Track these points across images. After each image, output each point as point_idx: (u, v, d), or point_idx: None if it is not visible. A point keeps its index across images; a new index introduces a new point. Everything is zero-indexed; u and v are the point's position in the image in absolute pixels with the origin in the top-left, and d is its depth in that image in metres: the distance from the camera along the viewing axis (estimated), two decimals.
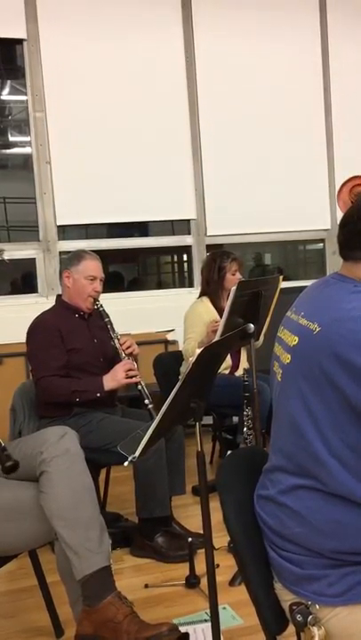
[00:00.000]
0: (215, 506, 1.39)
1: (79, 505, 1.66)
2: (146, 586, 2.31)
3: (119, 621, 1.57)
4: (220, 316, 2.85)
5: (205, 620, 2.00)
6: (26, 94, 4.33)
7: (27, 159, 4.61)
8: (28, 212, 4.55)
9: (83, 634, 1.62)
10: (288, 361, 1.23)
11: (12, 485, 1.76)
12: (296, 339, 1.22)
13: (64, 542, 1.63)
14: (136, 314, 4.11)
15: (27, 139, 4.48)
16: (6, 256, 4.27)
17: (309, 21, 4.86)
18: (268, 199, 4.69)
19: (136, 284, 5.74)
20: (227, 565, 2.28)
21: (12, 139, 6.55)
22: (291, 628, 1.24)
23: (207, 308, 3.25)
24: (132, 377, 2.58)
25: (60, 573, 1.74)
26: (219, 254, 3.43)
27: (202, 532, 1.68)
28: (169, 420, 1.59)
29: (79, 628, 1.64)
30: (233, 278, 3.26)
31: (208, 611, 1.71)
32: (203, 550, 2.07)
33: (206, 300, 3.32)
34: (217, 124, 4.60)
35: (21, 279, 4.99)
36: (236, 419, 3.28)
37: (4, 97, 5.52)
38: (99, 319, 2.77)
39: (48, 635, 2.03)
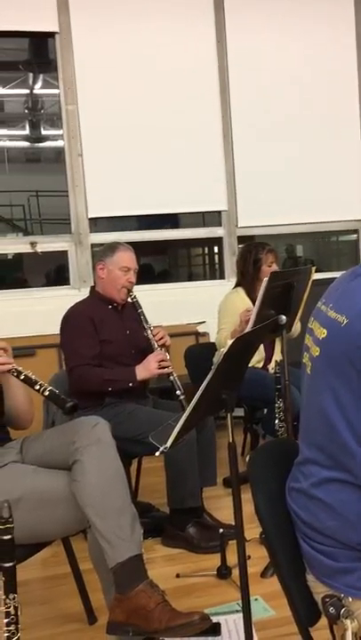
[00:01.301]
0: (246, 498, 1.38)
1: (111, 493, 1.68)
2: (177, 575, 2.32)
3: (151, 609, 1.58)
4: None
5: (237, 611, 2.00)
6: (58, 87, 4.36)
7: (59, 152, 4.65)
8: (60, 205, 4.59)
9: (115, 621, 1.64)
10: (317, 354, 1.22)
11: (45, 474, 1.79)
12: (325, 331, 1.21)
13: (96, 530, 1.65)
14: (167, 306, 4.11)
15: (59, 132, 4.51)
16: (39, 249, 4.35)
17: (342, 12, 4.77)
18: (300, 190, 4.64)
19: (166, 276, 5.75)
20: (258, 557, 2.28)
21: (44, 132, 6.62)
22: (323, 621, 1.23)
23: (242, 299, 3.23)
24: (164, 367, 2.59)
25: (93, 561, 1.76)
26: (254, 246, 3.40)
27: (233, 523, 1.68)
28: (200, 410, 1.58)
29: (111, 615, 1.66)
30: (269, 270, 3.22)
31: (240, 602, 1.71)
32: (234, 542, 2.08)
33: (241, 291, 3.30)
34: (249, 115, 4.57)
35: (54, 271, 5.05)
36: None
37: (36, 91, 5.58)
38: (131, 311, 2.79)
39: (81, 621, 2.06)
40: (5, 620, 1.34)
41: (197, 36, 4.48)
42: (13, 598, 1.33)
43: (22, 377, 1.81)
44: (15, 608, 1.34)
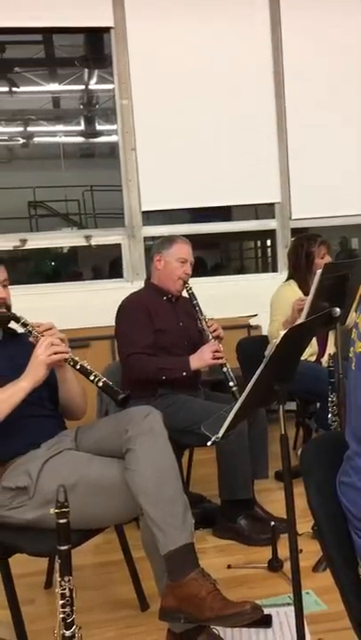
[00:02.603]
0: (299, 492, 1.38)
1: (163, 482, 1.69)
2: (228, 567, 2.33)
3: (203, 597, 1.59)
4: None
5: (288, 604, 1.99)
6: (113, 82, 4.41)
7: (113, 147, 4.71)
8: (114, 200, 4.66)
9: (167, 607, 1.66)
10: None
11: (99, 461, 1.82)
12: None
13: (149, 518, 1.67)
14: (219, 299, 4.10)
15: (113, 127, 4.56)
16: (93, 242, 4.42)
17: None
18: (355, 180, 4.54)
19: (218, 270, 5.75)
20: (310, 551, 2.26)
21: (99, 127, 6.71)
22: None
23: (294, 292, 3.20)
24: (218, 358, 2.60)
25: (146, 548, 1.78)
26: (305, 238, 3.35)
27: (284, 516, 1.67)
28: (252, 401, 1.58)
29: (163, 601, 1.68)
30: (322, 262, 3.17)
31: (291, 594, 1.70)
32: (285, 535, 2.08)
33: (294, 284, 3.27)
34: (303, 105, 4.50)
35: (107, 265, 5.12)
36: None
37: (91, 86, 5.66)
38: (184, 304, 2.81)
39: (133, 607, 2.10)
40: (61, 602, 1.37)
41: (252, 27, 4.45)
42: (68, 580, 1.36)
43: (78, 367, 1.85)
44: (70, 590, 1.37)
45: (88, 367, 1.83)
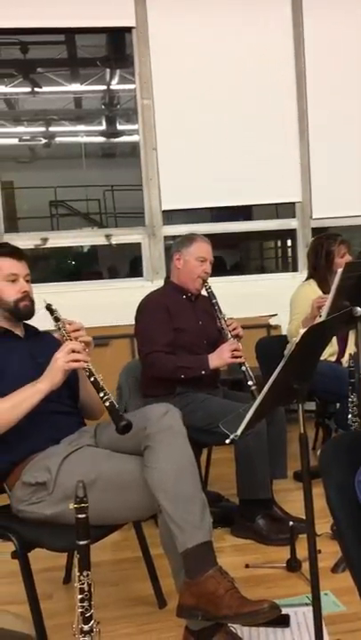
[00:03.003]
0: (317, 492, 1.37)
1: (181, 480, 1.70)
2: (247, 566, 2.33)
3: (220, 595, 1.59)
4: None
5: (306, 604, 1.98)
6: (134, 82, 4.42)
7: (134, 147, 4.73)
8: (135, 199, 4.67)
9: (185, 605, 1.66)
10: None
11: (118, 458, 1.83)
12: None
13: (167, 515, 1.68)
14: (239, 298, 4.09)
15: (134, 127, 4.58)
16: (113, 241, 4.44)
17: None
18: None
19: (238, 270, 5.73)
20: (329, 552, 2.25)
21: (120, 127, 6.73)
22: None
23: (314, 291, 3.18)
24: (237, 357, 2.59)
25: (164, 545, 1.79)
26: (325, 237, 3.33)
27: (303, 517, 1.67)
28: (271, 399, 1.58)
29: (181, 599, 1.68)
30: (342, 261, 3.15)
31: (309, 595, 1.69)
32: (303, 536, 2.06)
33: (313, 283, 3.25)
34: (325, 103, 4.47)
35: (128, 263, 5.14)
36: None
37: (113, 86, 5.69)
38: (203, 303, 2.81)
39: (151, 604, 2.11)
40: (79, 597, 1.38)
41: (274, 25, 4.43)
42: (87, 575, 1.38)
43: (92, 379, 1.83)
44: (89, 585, 1.38)
45: (101, 383, 1.81)
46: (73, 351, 1.84)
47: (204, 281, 2.79)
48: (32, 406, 1.82)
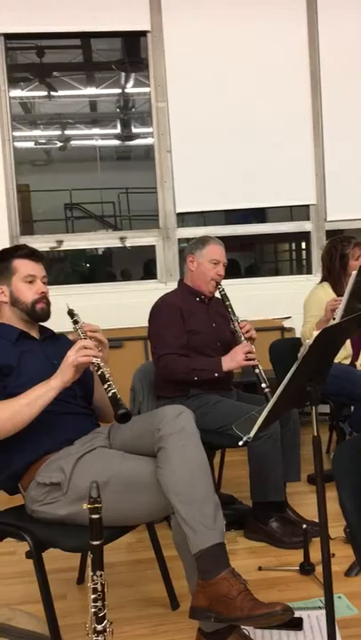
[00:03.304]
0: (331, 495, 1.36)
1: (194, 481, 1.70)
2: (260, 568, 2.32)
3: (233, 597, 1.59)
4: None
5: (320, 607, 1.98)
6: (149, 85, 4.44)
7: (148, 150, 4.75)
8: (149, 201, 4.69)
9: (197, 606, 1.66)
10: None
11: (132, 459, 1.84)
12: None
13: (180, 516, 1.68)
14: (253, 301, 4.10)
15: (149, 129, 4.60)
16: (128, 243, 4.47)
17: None
18: None
19: (253, 273, 5.72)
20: (343, 556, 2.24)
21: (135, 130, 6.75)
22: None
23: (328, 294, 3.17)
24: (250, 360, 2.59)
25: (177, 547, 1.79)
26: (339, 240, 3.32)
27: (317, 520, 1.66)
28: (284, 402, 1.58)
29: (194, 600, 1.68)
30: (356, 264, 3.14)
31: (322, 598, 1.69)
32: (317, 539, 2.06)
33: (327, 286, 3.24)
34: (339, 106, 4.46)
35: (142, 266, 5.16)
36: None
37: (128, 90, 5.71)
38: (217, 305, 2.82)
39: (164, 606, 2.11)
40: (92, 596, 1.39)
41: (288, 30, 4.43)
42: (100, 575, 1.38)
43: (99, 373, 1.85)
44: (102, 585, 1.39)
45: (107, 375, 1.82)
46: (84, 347, 1.85)
47: (218, 283, 2.80)
48: (46, 404, 1.83)
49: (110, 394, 1.79)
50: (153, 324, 2.77)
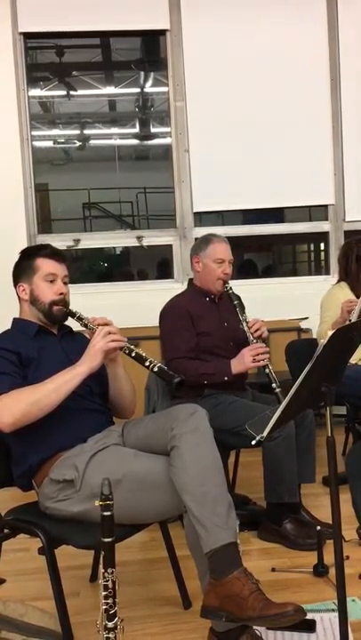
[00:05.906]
0: (346, 498, 1.35)
1: (207, 481, 1.69)
2: (273, 570, 2.31)
3: (245, 597, 1.58)
4: None
5: (333, 610, 1.96)
6: (167, 85, 4.45)
7: (166, 149, 4.75)
8: (167, 201, 4.69)
9: (209, 605, 1.65)
10: None
11: (145, 458, 1.84)
12: None
13: (192, 515, 1.67)
14: (270, 301, 4.08)
15: (167, 129, 4.60)
16: (145, 243, 4.47)
17: None
18: None
19: (271, 273, 5.69)
20: (357, 558, 2.22)
21: (153, 130, 6.76)
22: None
23: (345, 294, 3.15)
24: (259, 361, 2.57)
25: (190, 546, 1.79)
26: (356, 241, 3.30)
27: (331, 522, 1.65)
28: (298, 402, 1.57)
29: (205, 599, 1.68)
30: None
31: (336, 600, 1.67)
32: (331, 541, 2.04)
33: (345, 286, 3.22)
34: (359, 106, 4.43)
35: (159, 265, 5.16)
36: None
37: (147, 89, 5.72)
38: (228, 303, 2.79)
39: (176, 605, 2.11)
40: (103, 593, 1.40)
41: (307, 29, 4.41)
42: (111, 572, 1.39)
43: (134, 354, 1.88)
44: (113, 582, 1.39)
45: (143, 354, 1.86)
46: (110, 332, 1.87)
47: (225, 282, 2.77)
48: (71, 390, 1.85)
49: (157, 368, 1.84)
50: (162, 329, 2.78)
